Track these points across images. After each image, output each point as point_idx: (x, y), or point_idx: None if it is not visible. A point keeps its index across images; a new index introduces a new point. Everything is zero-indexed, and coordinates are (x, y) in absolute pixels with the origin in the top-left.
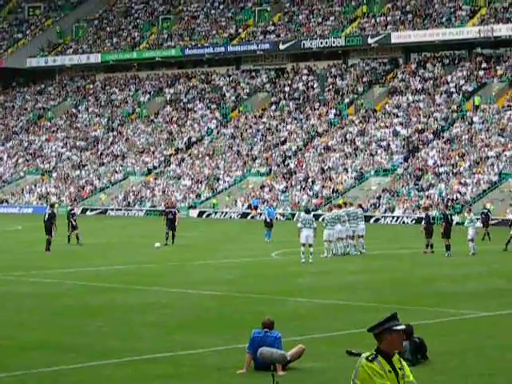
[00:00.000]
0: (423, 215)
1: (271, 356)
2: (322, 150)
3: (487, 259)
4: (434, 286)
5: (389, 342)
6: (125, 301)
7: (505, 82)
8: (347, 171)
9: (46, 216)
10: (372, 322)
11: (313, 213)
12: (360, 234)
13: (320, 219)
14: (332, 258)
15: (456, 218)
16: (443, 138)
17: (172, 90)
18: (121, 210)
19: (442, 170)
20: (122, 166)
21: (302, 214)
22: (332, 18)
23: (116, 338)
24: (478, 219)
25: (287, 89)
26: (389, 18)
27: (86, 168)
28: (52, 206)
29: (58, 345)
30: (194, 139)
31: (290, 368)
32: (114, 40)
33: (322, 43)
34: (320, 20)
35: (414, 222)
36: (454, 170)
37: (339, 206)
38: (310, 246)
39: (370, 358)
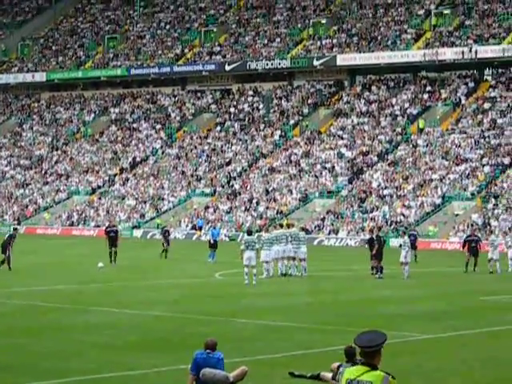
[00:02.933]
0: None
1: (214, 377)
2: (267, 171)
3: (425, 281)
4: (375, 308)
5: (380, 357)
6: (68, 321)
7: (449, 105)
8: (292, 192)
9: (6, 236)
10: (315, 343)
11: (256, 234)
12: (301, 257)
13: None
14: (275, 279)
15: (399, 241)
16: (387, 160)
17: (117, 110)
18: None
19: (386, 192)
20: (66, 185)
21: (245, 235)
22: (278, 40)
23: (59, 358)
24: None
25: (232, 110)
26: (334, 41)
27: (29, 187)
28: (15, 230)
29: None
30: (138, 159)
31: None
32: (60, 59)
33: (267, 64)
34: (266, 41)
35: (357, 243)
36: (398, 193)
37: (280, 226)
38: (253, 267)
39: (393, 376)
